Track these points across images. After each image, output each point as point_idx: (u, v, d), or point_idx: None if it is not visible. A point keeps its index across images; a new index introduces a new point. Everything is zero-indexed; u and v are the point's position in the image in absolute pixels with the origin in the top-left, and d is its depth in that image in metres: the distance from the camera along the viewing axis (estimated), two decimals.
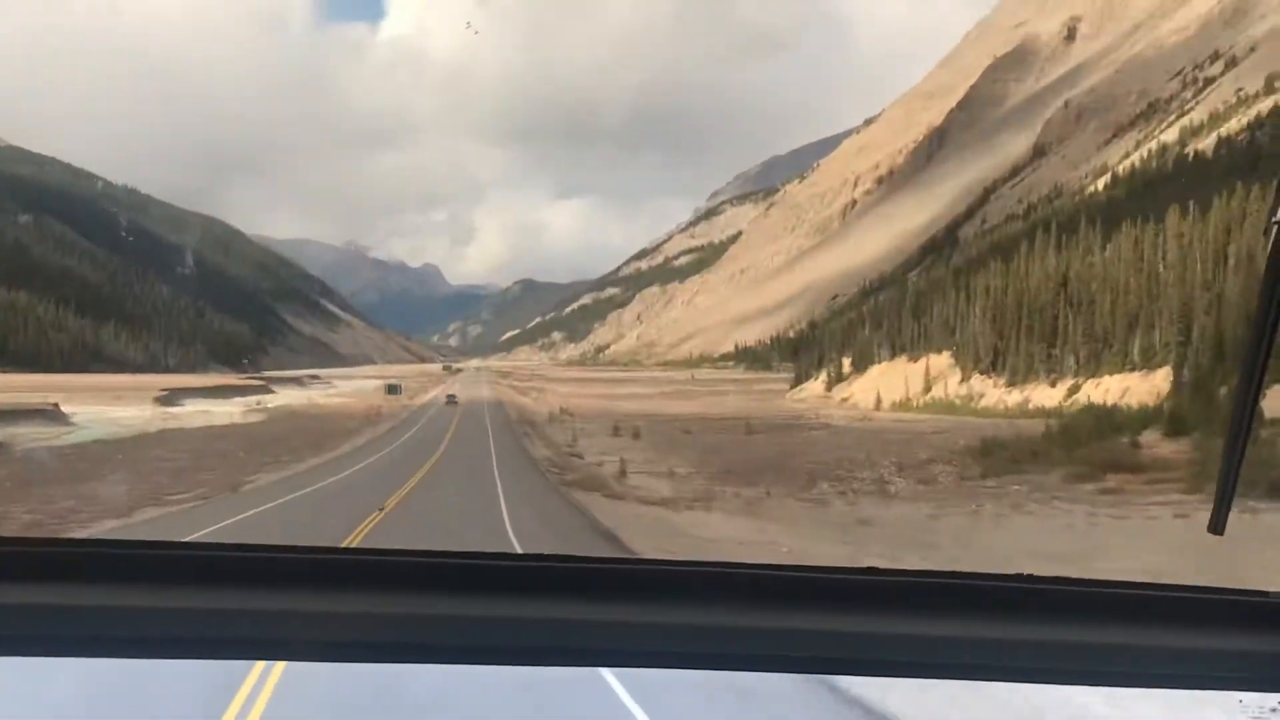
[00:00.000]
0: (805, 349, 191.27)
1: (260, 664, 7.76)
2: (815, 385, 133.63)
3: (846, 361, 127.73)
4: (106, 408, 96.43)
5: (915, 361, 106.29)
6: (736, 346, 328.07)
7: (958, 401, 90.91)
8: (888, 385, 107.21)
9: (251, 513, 23.64)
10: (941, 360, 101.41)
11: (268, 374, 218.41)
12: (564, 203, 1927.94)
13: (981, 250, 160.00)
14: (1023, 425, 56.63)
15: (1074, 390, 76.81)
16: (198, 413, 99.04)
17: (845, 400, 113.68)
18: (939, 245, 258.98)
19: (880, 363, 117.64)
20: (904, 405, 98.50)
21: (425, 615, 1.86)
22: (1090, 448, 36.62)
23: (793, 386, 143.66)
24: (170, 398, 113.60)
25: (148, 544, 2.01)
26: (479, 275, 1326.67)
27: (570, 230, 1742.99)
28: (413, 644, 1.87)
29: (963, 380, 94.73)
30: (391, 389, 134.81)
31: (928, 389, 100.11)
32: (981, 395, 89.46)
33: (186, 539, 18.11)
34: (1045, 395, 79.75)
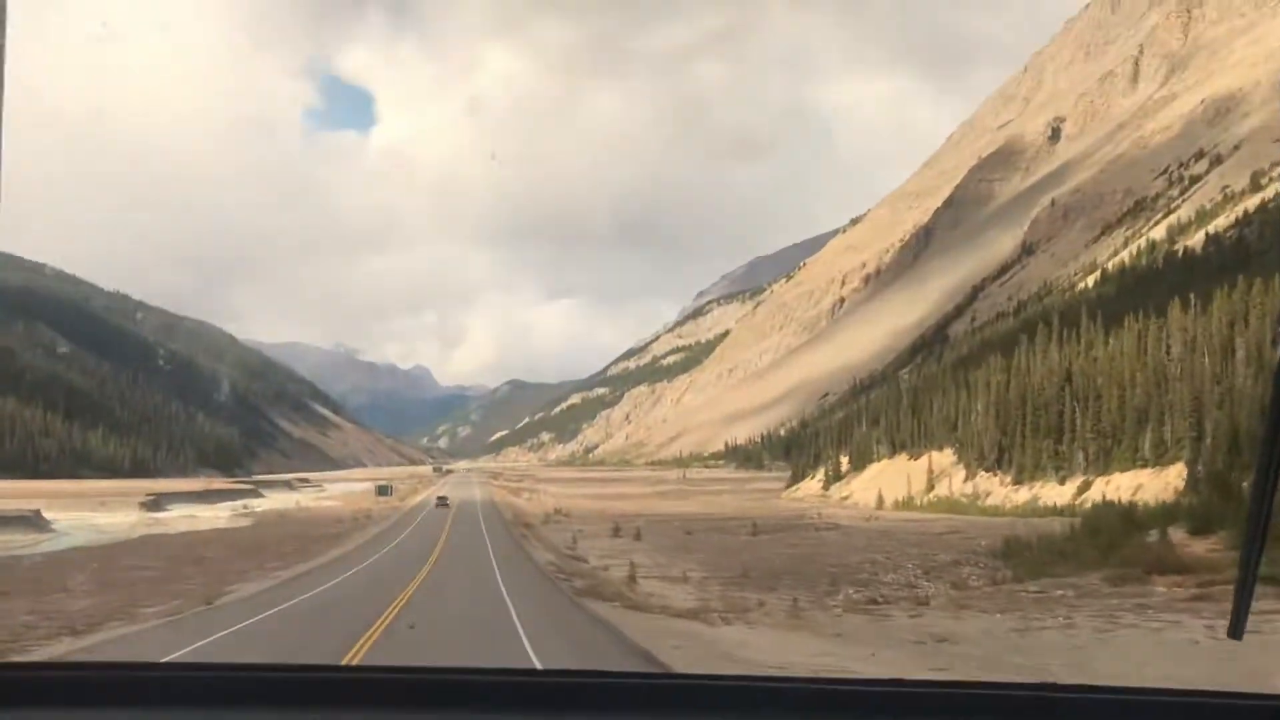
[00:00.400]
0: (798, 447, 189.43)
1: None
2: (812, 484, 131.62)
3: (844, 459, 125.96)
4: (90, 514, 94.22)
5: (916, 459, 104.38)
6: (727, 445, 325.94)
7: (963, 500, 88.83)
8: (889, 483, 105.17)
9: (222, 634, 20.94)
10: (944, 457, 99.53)
11: (256, 477, 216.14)
12: (552, 304, 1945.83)
13: (974, 346, 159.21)
14: (1037, 524, 54.88)
15: (1085, 487, 74.94)
16: (182, 518, 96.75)
17: (845, 499, 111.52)
18: (929, 343, 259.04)
19: (879, 460, 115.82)
20: (907, 504, 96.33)
21: None
22: (1127, 548, 34.68)
23: (789, 485, 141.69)
24: (156, 503, 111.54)
25: (136, 666, 1.89)
26: (468, 376, 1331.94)
27: (558, 331, 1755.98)
28: None
29: (967, 478, 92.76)
30: (382, 490, 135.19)
31: (931, 487, 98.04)
32: (988, 494, 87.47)
33: (164, 659, 16.11)
34: (1055, 493, 77.90)
